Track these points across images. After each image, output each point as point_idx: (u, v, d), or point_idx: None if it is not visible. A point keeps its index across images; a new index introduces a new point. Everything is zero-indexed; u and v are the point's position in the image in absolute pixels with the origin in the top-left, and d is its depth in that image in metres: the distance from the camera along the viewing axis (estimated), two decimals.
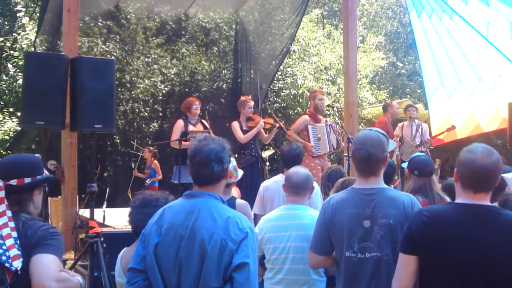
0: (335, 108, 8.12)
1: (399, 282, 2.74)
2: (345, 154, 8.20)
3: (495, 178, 2.67)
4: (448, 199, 4.39)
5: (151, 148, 10.99)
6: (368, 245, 3.09)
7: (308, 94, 11.52)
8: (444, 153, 14.26)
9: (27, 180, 2.84)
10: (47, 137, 7.90)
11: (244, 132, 8.08)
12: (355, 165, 3.24)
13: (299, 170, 4.10)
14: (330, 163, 8.69)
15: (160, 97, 12.08)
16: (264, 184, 5.60)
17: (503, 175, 4.17)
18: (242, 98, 8.52)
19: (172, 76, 12.18)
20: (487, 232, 2.58)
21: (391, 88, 21.15)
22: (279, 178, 5.39)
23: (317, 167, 7.75)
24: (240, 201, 4.94)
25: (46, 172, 2.99)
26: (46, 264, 2.59)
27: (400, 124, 9.89)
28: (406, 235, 2.73)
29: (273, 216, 4.05)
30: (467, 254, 2.57)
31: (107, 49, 11.30)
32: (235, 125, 8.19)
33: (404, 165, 4.99)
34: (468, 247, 2.57)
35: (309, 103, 8.72)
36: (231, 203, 4.78)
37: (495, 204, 3.32)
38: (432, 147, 10.03)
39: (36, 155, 3.13)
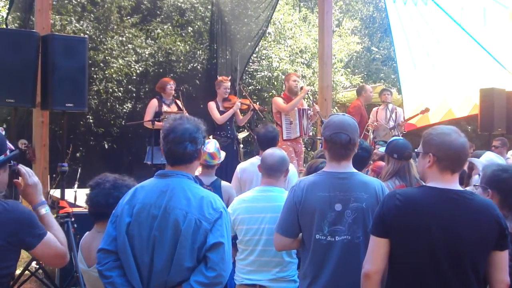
0: (309, 92, 8.10)
1: (370, 265, 2.71)
2: (318, 138, 8.22)
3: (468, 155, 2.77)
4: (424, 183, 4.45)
5: None
6: (338, 228, 3.11)
7: (283, 77, 11.52)
8: (416, 138, 14.38)
9: None
10: (18, 115, 7.72)
11: (221, 112, 8.00)
12: (331, 149, 3.23)
13: (274, 152, 4.07)
14: (303, 146, 8.71)
15: (134, 77, 11.94)
16: (241, 166, 5.55)
17: (471, 159, 4.26)
18: (219, 78, 8.42)
19: (146, 56, 12.05)
20: (459, 217, 2.60)
21: (365, 73, 21.19)
22: (256, 160, 5.36)
23: (289, 148, 7.75)
24: (225, 183, 4.93)
25: (11, 146, 2.85)
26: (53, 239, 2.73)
27: (374, 109, 9.94)
28: (378, 218, 2.72)
29: (247, 197, 4.02)
30: (438, 239, 2.58)
31: (81, 27, 11.10)
32: (212, 105, 8.06)
33: (382, 149, 5.03)
34: (440, 232, 2.58)
35: (284, 86, 8.71)
36: (217, 185, 4.77)
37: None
38: (404, 132, 10.12)
39: (1, 131, 3.02)
